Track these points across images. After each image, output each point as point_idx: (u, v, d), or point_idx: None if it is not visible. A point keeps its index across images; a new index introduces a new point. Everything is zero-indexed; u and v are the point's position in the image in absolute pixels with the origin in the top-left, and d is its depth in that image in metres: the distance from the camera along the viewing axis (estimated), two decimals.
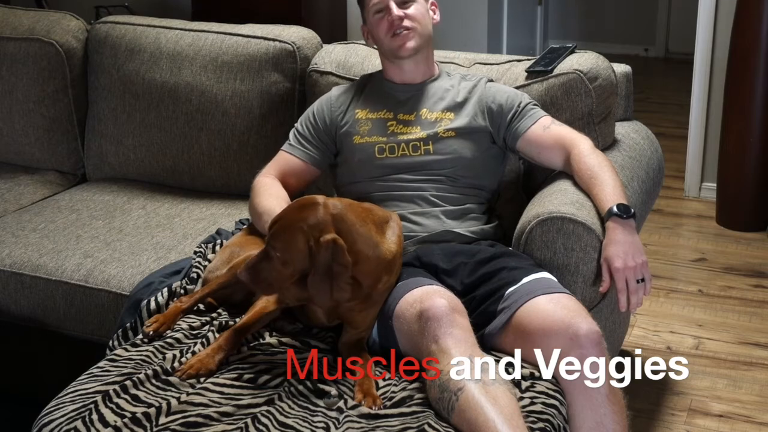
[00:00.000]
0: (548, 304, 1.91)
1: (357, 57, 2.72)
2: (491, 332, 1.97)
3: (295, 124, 2.44)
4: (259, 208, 2.24)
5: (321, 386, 1.86)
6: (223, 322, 2.06)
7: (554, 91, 2.46)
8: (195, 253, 2.39)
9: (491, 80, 2.42)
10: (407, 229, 2.20)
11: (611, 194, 2.11)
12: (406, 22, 2.28)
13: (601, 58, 2.53)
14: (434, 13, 2.38)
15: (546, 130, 2.28)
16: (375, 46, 2.41)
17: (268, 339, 2.01)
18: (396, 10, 2.28)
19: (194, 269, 2.29)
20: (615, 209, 2.08)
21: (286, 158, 2.39)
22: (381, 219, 2.02)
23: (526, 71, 2.54)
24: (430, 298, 1.88)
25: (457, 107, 2.32)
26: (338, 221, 1.87)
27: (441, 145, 2.27)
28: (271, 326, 2.06)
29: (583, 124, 2.43)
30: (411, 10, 2.29)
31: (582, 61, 2.50)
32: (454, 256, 2.13)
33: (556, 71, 2.49)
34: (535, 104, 2.34)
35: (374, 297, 1.99)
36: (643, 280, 2.05)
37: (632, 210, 2.08)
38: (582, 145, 2.24)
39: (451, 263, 2.11)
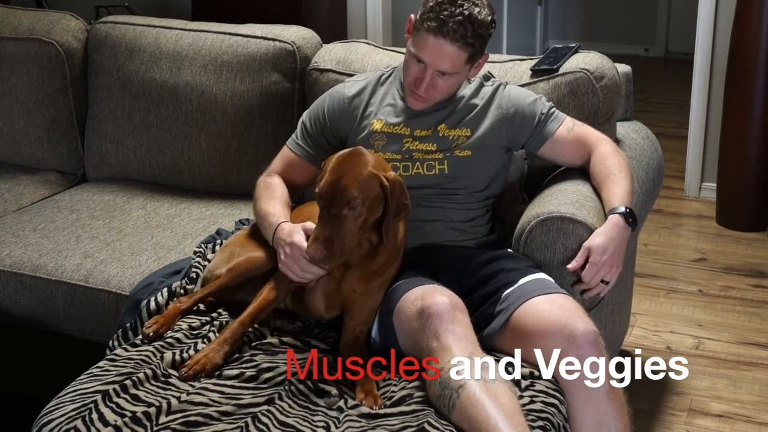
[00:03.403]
0: (545, 304, 1.92)
1: (357, 54, 2.72)
2: (490, 334, 1.97)
3: (303, 117, 2.36)
4: (261, 211, 2.20)
5: (321, 386, 1.86)
6: (224, 322, 2.06)
7: (561, 90, 2.46)
8: (195, 253, 2.39)
9: (508, 83, 2.34)
10: (413, 240, 2.15)
11: (624, 195, 2.12)
12: (429, 93, 2.16)
13: (605, 58, 2.53)
14: (477, 68, 2.21)
15: (570, 132, 2.26)
16: (406, 39, 2.23)
17: (269, 339, 2.01)
18: (425, 86, 2.13)
19: (194, 269, 2.29)
20: (623, 209, 2.08)
21: (291, 156, 2.34)
22: None
23: (531, 69, 2.53)
24: (431, 295, 1.88)
25: (475, 121, 2.24)
26: (400, 185, 1.97)
27: (456, 165, 2.20)
28: (272, 325, 2.06)
29: (588, 124, 2.40)
30: (441, 83, 2.15)
31: (588, 60, 2.49)
32: (454, 259, 2.13)
33: (562, 70, 2.48)
34: (553, 106, 2.30)
35: (375, 283, 2.00)
36: (607, 282, 2.06)
37: (637, 220, 2.10)
38: (606, 146, 2.25)
39: (451, 267, 2.11)
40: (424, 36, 2.10)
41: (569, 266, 2.05)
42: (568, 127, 2.27)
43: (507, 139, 2.26)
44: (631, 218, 2.08)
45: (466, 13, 2.07)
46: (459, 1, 2.08)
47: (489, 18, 2.11)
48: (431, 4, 2.10)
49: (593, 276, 2.04)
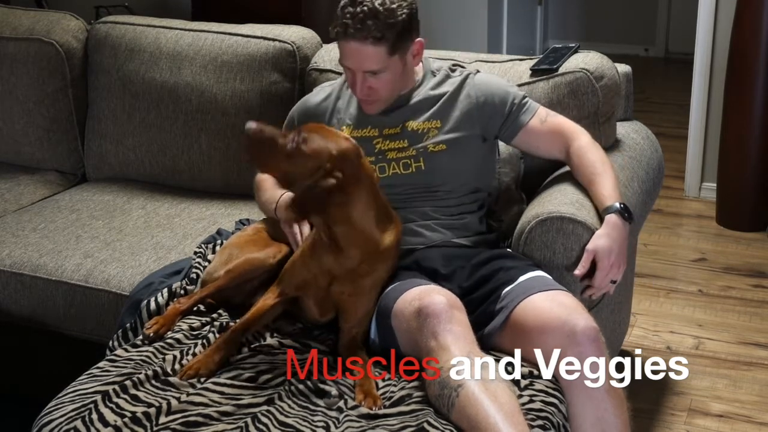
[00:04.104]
0: (545, 301, 1.92)
1: None
2: (490, 332, 1.97)
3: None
4: (262, 200, 2.30)
5: (321, 386, 1.86)
6: (224, 323, 2.06)
7: (561, 90, 2.46)
8: (195, 253, 2.39)
9: (478, 71, 2.33)
10: (406, 242, 2.14)
11: (613, 191, 2.12)
12: (369, 95, 2.15)
13: (605, 58, 2.53)
14: (416, 56, 2.19)
15: (544, 123, 2.26)
16: None
17: (269, 340, 2.01)
18: (359, 89, 2.14)
19: (194, 269, 2.28)
20: (619, 206, 2.08)
21: None
22: (387, 213, 2.03)
23: (530, 69, 2.53)
24: (428, 295, 1.88)
25: (443, 111, 2.22)
26: (355, 179, 1.91)
27: (432, 161, 2.19)
28: (272, 327, 2.06)
29: (588, 124, 2.42)
30: (376, 83, 2.13)
31: (587, 60, 2.49)
32: (452, 260, 2.13)
33: (562, 70, 2.48)
34: (525, 96, 2.29)
35: (364, 284, 2.00)
36: (615, 282, 2.07)
37: (633, 215, 2.10)
38: (582, 138, 2.24)
39: (450, 267, 2.10)
40: (339, 44, 2.14)
41: (576, 272, 2.05)
42: (541, 117, 2.26)
43: (480, 127, 2.24)
44: (626, 213, 2.08)
45: (366, 9, 2.07)
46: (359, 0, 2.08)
47: (395, 5, 2.08)
48: (338, 11, 2.13)
49: (603, 279, 2.04)
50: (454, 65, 2.34)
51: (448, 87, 2.26)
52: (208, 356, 1.91)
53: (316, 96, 2.36)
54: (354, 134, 2.21)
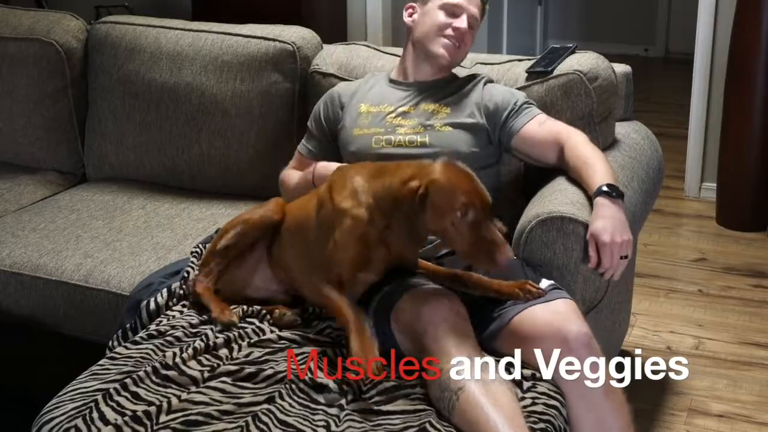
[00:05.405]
0: (540, 310, 1.91)
1: (359, 59, 2.73)
2: (487, 337, 1.96)
3: (309, 120, 2.53)
4: (292, 186, 2.39)
5: (319, 380, 1.85)
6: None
7: (554, 92, 2.46)
8: (192, 254, 2.38)
9: (491, 80, 2.45)
10: None
11: (602, 177, 2.12)
12: (460, 39, 2.36)
13: (601, 58, 2.53)
14: (471, 37, 2.43)
15: (542, 126, 2.30)
16: (411, 22, 2.42)
17: (268, 335, 2.01)
18: (465, 24, 2.35)
19: (188, 270, 2.27)
20: (604, 188, 2.08)
21: (299, 156, 2.51)
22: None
23: (526, 72, 2.54)
24: (430, 297, 1.88)
25: (453, 102, 2.35)
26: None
27: (437, 137, 2.29)
28: (268, 321, 2.05)
29: (583, 125, 2.43)
30: (467, 35, 2.37)
31: (582, 61, 2.49)
32: (454, 262, 2.12)
33: (556, 72, 2.48)
34: (531, 103, 2.35)
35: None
36: (626, 257, 2.05)
37: (622, 191, 2.09)
38: (577, 137, 2.27)
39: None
40: None
41: (589, 265, 2.05)
42: (539, 121, 2.31)
43: (486, 125, 2.32)
44: (613, 192, 2.08)
45: None
46: None
47: None
48: None
49: (611, 258, 2.03)
50: (473, 75, 2.47)
51: (462, 83, 2.41)
52: (366, 349, 1.79)
53: (340, 89, 2.51)
54: (371, 110, 2.38)
